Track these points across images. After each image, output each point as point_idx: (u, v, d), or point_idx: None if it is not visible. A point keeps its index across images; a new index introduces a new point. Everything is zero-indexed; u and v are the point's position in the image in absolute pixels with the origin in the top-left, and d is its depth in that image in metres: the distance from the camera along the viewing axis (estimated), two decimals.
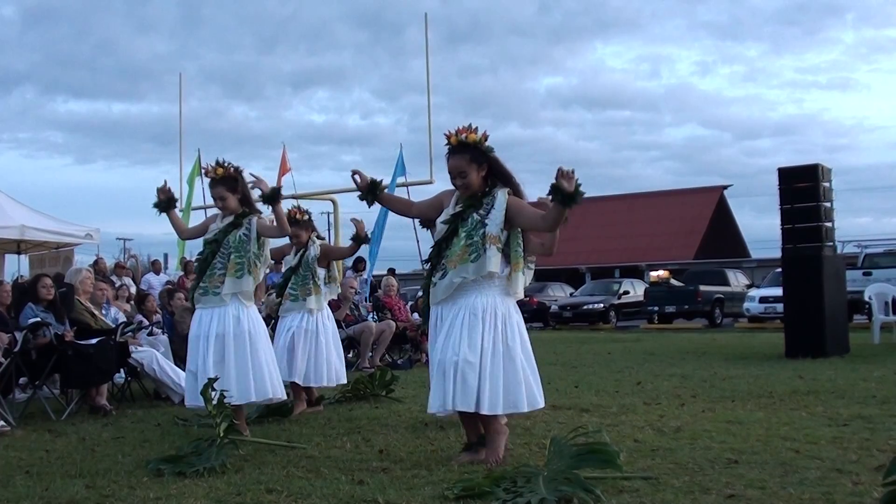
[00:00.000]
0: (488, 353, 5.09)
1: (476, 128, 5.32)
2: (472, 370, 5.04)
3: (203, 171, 6.86)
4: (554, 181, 4.88)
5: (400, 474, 4.93)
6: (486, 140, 5.29)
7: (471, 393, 5.03)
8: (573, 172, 4.87)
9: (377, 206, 5.87)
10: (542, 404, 5.39)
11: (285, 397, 6.96)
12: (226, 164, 6.62)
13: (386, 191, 5.79)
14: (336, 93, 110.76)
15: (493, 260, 5.14)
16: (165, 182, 6.86)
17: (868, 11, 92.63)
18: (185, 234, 7.21)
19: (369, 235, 8.22)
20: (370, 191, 5.62)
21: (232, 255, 6.50)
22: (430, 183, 18.29)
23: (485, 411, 5.07)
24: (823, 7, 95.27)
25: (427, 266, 5.52)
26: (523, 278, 5.37)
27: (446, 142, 5.34)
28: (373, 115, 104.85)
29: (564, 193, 4.84)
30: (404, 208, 5.95)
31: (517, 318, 5.34)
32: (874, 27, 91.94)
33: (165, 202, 6.80)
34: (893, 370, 10.06)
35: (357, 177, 5.62)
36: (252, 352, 6.46)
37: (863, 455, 5.14)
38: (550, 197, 4.94)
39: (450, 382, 5.06)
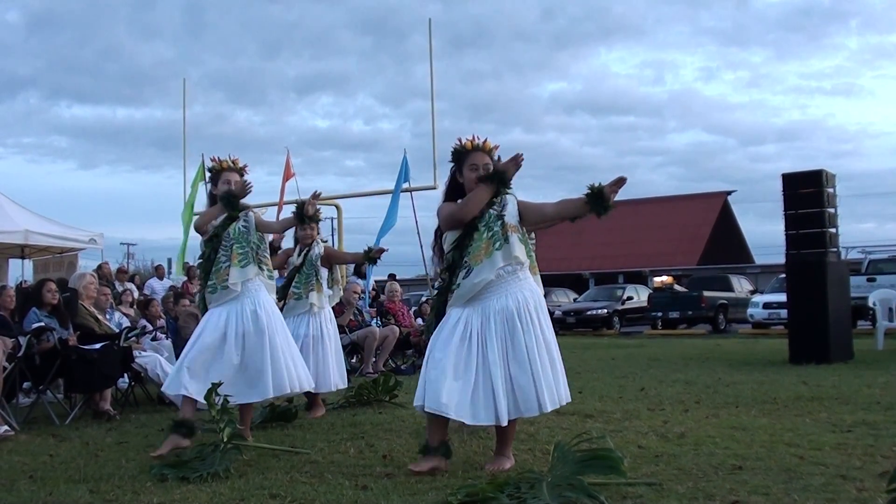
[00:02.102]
0: (534, 353, 5.10)
1: (486, 139, 5.41)
2: (526, 380, 5.05)
3: (212, 161, 6.77)
4: (603, 185, 4.89)
5: (403, 480, 4.92)
6: (496, 151, 5.40)
7: (531, 399, 5.04)
8: (621, 185, 4.88)
9: (383, 212, 5.84)
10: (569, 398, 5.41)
11: (311, 387, 6.86)
12: (237, 159, 6.69)
13: (391, 196, 5.78)
14: (340, 98, 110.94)
15: (518, 247, 5.16)
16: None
17: (872, 17, 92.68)
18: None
19: (377, 259, 8.36)
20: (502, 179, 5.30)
21: (234, 246, 6.43)
22: (434, 188, 18.26)
23: (546, 410, 5.08)
24: (828, 13, 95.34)
25: (444, 274, 5.36)
26: (539, 281, 5.39)
27: (459, 145, 5.40)
28: (377, 120, 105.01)
29: (604, 201, 4.88)
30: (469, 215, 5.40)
31: (544, 312, 5.37)
32: (878, 33, 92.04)
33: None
34: None
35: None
36: (271, 348, 6.32)
37: (867, 461, 5.13)
38: (586, 193, 4.94)
39: (502, 397, 5.02)
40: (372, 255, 8.19)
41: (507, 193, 5.29)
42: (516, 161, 5.18)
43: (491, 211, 5.23)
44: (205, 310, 6.52)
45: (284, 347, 6.45)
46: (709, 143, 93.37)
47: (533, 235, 5.66)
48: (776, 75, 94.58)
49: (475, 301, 5.18)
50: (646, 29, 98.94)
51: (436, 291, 5.53)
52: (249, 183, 6.46)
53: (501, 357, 5.07)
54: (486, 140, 5.40)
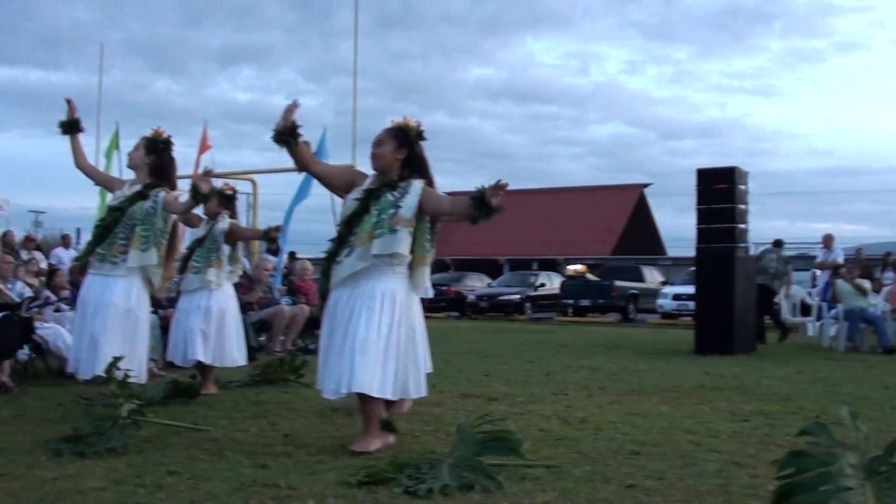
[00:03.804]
0: (385, 336, 5.05)
1: (418, 121, 5.40)
2: (374, 353, 5.00)
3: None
4: (485, 188, 4.87)
5: (304, 459, 4.90)
6: (419, 132, 5.37)
7: (370, 375, 4.98)
8: (502, 189, 4.85)
9: (294, 187, 5.78)
10: (426, 393, 5.42)
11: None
12: (162, 132, 6.62)
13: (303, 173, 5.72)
14: (262, 71, 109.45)
15: (404, 242, 5.11)
16: (71, 101, 6.72)
17: (796, 21, 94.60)
18: (82, 162, 6.91)
19: (275, 238, 8.35)
20: (291, 132, 5.31)
21: (137, 227, 6.35)
22: (352, 167, 18.19)
23: (375, 393, 5.02)
24: (753, 14, 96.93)
25: (332, 244, 5.35)
26: (428, 272, 5.36)
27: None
28: (299, 96, 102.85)
29: (486, 205, 4.86)
30: (308, 162, 5.55)
31: (418, 308, 5.37)
32: (801, 37, 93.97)
33: (69, 124, 6.66)
34: (797, 369, 10.30)
35: (291, 112, 5.32)
36: (132, 332, 6.36)
37: (761, 449, 5.26)
38: (471, 196, 4.93)
39: (346, 365, 4.99)
40: (269, 235, 8.09)
41: (417, 179, 5.25)
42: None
43: (389, 196, 5.20)
44: (81, 271, 6.44)
45: (143, 339, 6.56)
46: (629, 136, 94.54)
47: (438, 227, 5.62)
48: (699, 72, 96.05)
49: (349, 283, 5.17)
50: (574, 19, 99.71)
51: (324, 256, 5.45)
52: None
53: (356, 327, 5.04)
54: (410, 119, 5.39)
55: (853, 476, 3.44)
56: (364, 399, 5.08)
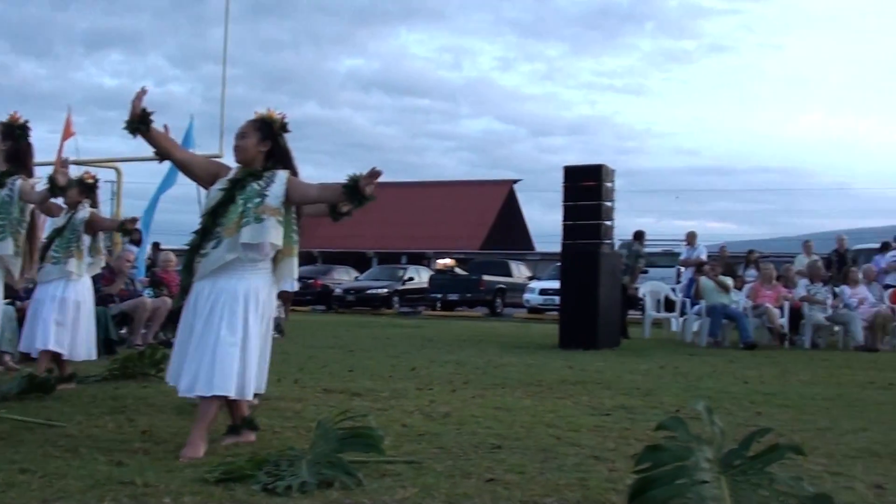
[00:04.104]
0: (245, 337, 4.95)
1: (283, 113, 5.31)
2: (233, 354, 4.88)
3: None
4: (358, 175, 4.81)
5: (161, 456, 4.74)
6: (283, 124, 5.28)
7: (230, 376, 4.87)
8: (375, 178, 4.80)
9: (159, 176, 5.57)
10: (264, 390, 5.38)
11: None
12: (19, 117, 6.36)
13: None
14: (130, 56, 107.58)
15: (272, 231, 4.99)
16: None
17: (667, 22, 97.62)
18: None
19: (137, 230, 8.10)
20: (142, 120, 5.08)
21: None
22: (219, 157, 17.86)
23: (234, 396, 4.93)
24: (625, 14, 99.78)
25: (195, 236, 5.18)
26: (296, 263, 5.27)
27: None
28: (167, 82, 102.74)
29: (359, 193, 4.80)
30: (168, 149, 5.28)
31: (272, 305, 5.28)
32: (671, 38, 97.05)
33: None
34: (659, 364, 10.51)
35: (139, 100, 5.06)
36: None
37: (621, 443, 5.30)
38: (343, 183, 4.86)
39: (205, 365, 4.86)
40: (125, 227, 7.86)
41: (281, 170, 5.16)
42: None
43: (255, 185, 5.08)
44: None
45: None
46: (500, 132, 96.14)
47: (301, 219, 5.49)
48: (570, 70, 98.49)
49: (212, 277, 5.03)
50: (448, 14, 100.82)
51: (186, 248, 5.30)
52: None
53: (218, 326, 4.92)
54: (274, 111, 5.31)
55: (708, 470, 3.49)
56: (207, 399, 4.94)
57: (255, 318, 5.00)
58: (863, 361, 11.59)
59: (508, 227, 50.59)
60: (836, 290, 14.92)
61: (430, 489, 4.10)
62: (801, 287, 14.90)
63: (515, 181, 53.83)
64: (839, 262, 18.36)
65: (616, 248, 16.06)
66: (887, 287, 15.75)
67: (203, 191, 5.50)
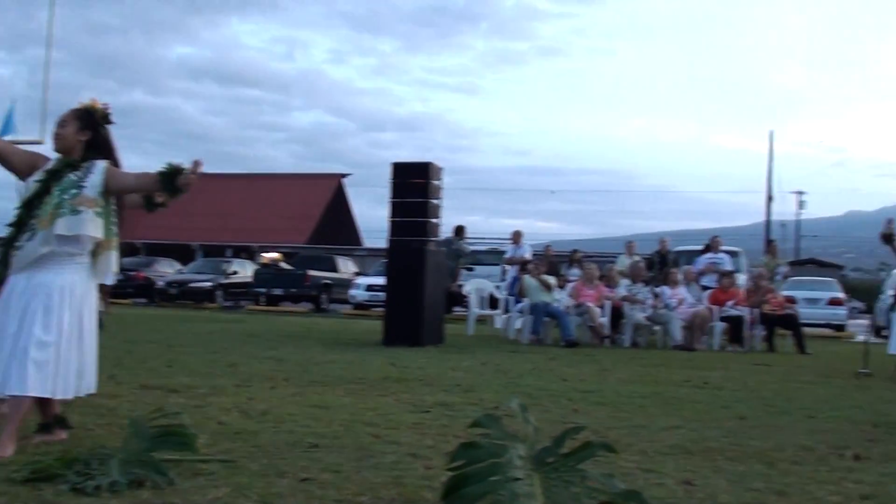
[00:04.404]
0: (61, 335, 4.75)
1: (106, 104, 5.17)
2: (47, 353, 4.69)
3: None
4: (177, 165, 4.76)
5: None
6: (105, 115, 5.15)
7: (46, 377, 4.68)
8: (196, 169, 4.76)
9: None
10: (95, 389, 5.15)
11: None
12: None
13: None
14: None
15: (89, 224, 4.83)
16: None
17: (501, 23, 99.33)
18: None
19: None
20: None
21: None
22: (40, 143, 17.14)
23: (48, 395, 4.73)
24: (460, 13, 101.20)
25: (12, 228, 4.97)
26: (116, 256, 5.09)
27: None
28: None
29: (173, 183, 4.76)
30: None
31: (93, 299, 5.06)
32: (505, 39, 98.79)
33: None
34: (481, 361, 10.64)
35: None
36: None
37: (439, 440, 5.32)
38: (160, 171, 4.80)
39: (17, 363, 4.64)
40: None
41: (99, 161, 5.00)
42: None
43: (72, 177, 4.92)
44: None
45: None
46: (331, 125, 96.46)
47: (124, 210, 5.32)
48: (403, 66, 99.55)
49: (26, 269, 4.82)
50: (281, 4, 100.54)
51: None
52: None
53: (32, 324, 4.71)
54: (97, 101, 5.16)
55: (522, 467, 3.54)
56: (18, 398, 4.72)
57: (72, 314, 4.82)
58: (680, 360, 12.03)
59: (337, 222, 50.44)
60: (657, 290, 15.43)
61: (244, 489, 4.02)
62: (623, 287, 15.38)
63: (345, 175, 53.73)
64: (661, 263, 18.99)
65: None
66: (706, 288, 16.37)
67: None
